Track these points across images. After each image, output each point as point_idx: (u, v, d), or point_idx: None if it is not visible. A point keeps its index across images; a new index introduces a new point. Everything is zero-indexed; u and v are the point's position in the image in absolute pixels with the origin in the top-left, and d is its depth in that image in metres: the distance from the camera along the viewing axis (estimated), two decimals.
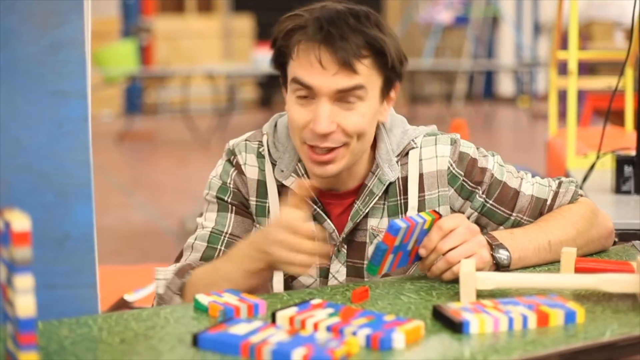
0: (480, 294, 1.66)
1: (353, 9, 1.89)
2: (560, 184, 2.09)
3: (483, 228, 2.03)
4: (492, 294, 1.68)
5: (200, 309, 1.65)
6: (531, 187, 2.06)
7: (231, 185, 2.04)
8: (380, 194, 2.00)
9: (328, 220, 2.01)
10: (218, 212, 2.05)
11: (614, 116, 5.38)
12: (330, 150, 1.90)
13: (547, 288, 1.68)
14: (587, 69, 12.05)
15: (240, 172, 2.05)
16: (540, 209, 2.05)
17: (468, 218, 1.99)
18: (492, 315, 1.50)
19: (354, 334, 1.43)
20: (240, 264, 1.83)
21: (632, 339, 1.50)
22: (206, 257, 2.00)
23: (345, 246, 2.02)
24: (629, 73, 4.37)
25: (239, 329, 1.46)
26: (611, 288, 1.64)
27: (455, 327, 1.48)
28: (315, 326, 1.48)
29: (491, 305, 1.55)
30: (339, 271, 2.02)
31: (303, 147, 1.92)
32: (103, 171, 8.79)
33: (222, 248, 2.01)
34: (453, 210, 2.03)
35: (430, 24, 15.15)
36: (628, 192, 2.94)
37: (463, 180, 2.03)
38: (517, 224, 2.04)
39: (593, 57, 5.24)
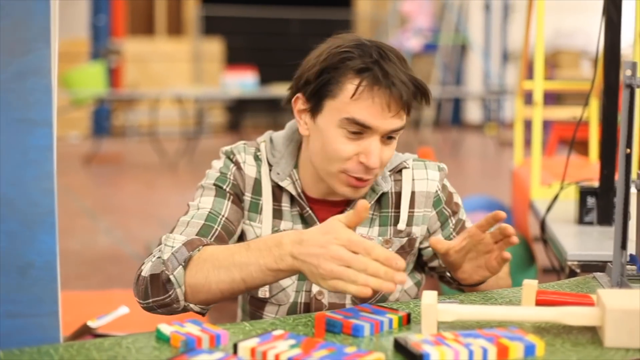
0: (441, 326, 1.68)
1: (392, 49, 2.04)
2: None
3: (436, 259, 2.24)
4: (453, 326, 1.69)
5: (162, 338, 1.65)
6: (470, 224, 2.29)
7: (231, 177, 2.15)
8: (372, 204, 2.16)
9: (318, 223, 2.11)
10: (215, 197, 2.13)
11: (580, 146, 5.44)
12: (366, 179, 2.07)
13: (508, 320, 1.70)
14: (553, 97, 12.16)
15: (240, 169, 2.17)
16: None
17: (428, 246, 2.22)
18: (453, 348, 1.51)
19: None
20: (260, 258, 1.79)
21: None
22: (203, 234, 2.03)
23: None
24: (594, 103, 4.42)
25: None
26: (572, 321, 1.66)
27: (415, 359, 1.49)
28: (277, 357, 1.49)
29: (452, 337, 1.57)
30: None
31: (340, 175, 2.06)
32: (69, 194, 8.75)
33: (219, 229, 2.06)
34: (429, 232, 2.22)
35: (400, 50, 15.21)
36: (591, 223, 2.96)
37: (444, 206, 2.23)
38: None
39: (558, 88, 5.29)
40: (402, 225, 2.18)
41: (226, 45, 16.08)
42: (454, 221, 2.25)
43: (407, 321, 1.74)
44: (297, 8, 17.34)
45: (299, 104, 2.10)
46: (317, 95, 2.04)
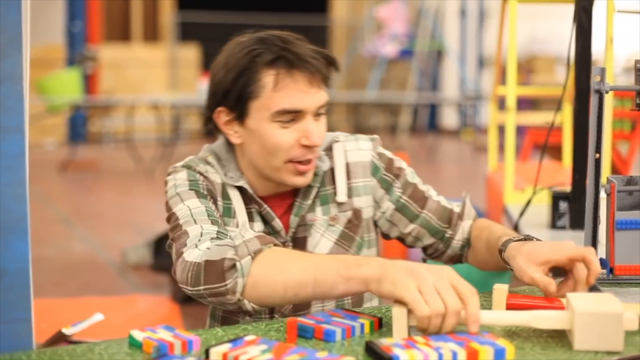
0: (413, 330, 1.69)
1: (290, 32, 2.10)
2: (464, 203, 2.29)
3: (394, 227, 2.24)
4: (424, 330, 1.70)
5: (134, 345, 1.65)
6: (437, 196, 2.29)
7: (203, 183, 2.11)
8: (318, 185, 2.18)
9: (277, 219, 2.14)
10: (198, 198, 2.07)
11: (554, 151, 5.47)
12: (310, 159, 2.10)
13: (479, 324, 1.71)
14: (529, 103, 12.22)
15: (205, 177, 2.14)
16: (448, 216, 2.26)
17: (384, 214, 2.24)
18: (423, 351, 1.52)
19: None
20: (341, 262, 1.75)
21: None
22: (220, 231, 1.95)
23: (291, 244, 2.16)
24: (567, 109, 4.45)
25: None
26: (542, 325, 1.67)
27: None
28: None
29: (422, 341, 1.58)
30: None
31: (287, 166, 2.08)
32: (45, 200, 8.73)
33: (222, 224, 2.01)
34: (375, 202, 2.23)
35: (375, 56, 15.27)
36: (563, 228, 2.98)
37: (383, 172, 2.23)
38: (426, 223, 2.24)
39: (531, 94, 5.34)
40: (342, 197, 2.20)
41: (202, 51, 16.07)
42: (399, 184, 2.24)
43: (379, 326, 1.74)
44: (273, 14, 17.34)
45: (222, 116, 2.11)
46: (240, 101, 2.06)
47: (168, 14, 16.58)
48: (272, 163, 2.08)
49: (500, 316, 1.70)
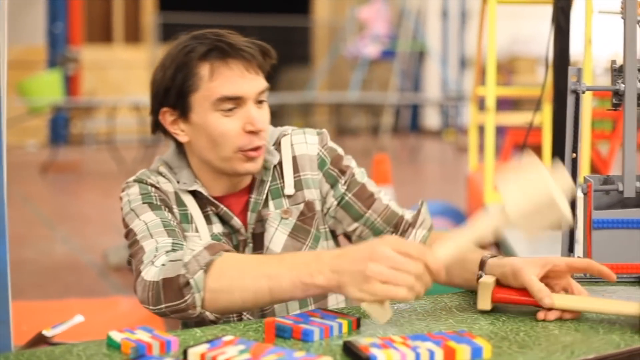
0: (390, 331, 1.70)
1: (226, 30, 2.14)
2: (419, 211, 2.26)
3: (339, 224, 2.24)
4: (402, 330, 1.71)
5: (112, 346, 1.65)
6: (388, 200, 2.27)
7: (155, 195, 2.11)
8: (265, 180, 2.18)
9: (235, 218, 2.15)
10: (153, 210, 2.07)
11: (535, 151, 5.48)
12: (259, 146, 2.10)
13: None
14: (510, 103, 12.25)
15: (157, 188, 2.13)
16: (397, 221, 2.24)
17: (328, 209, 2.23)
18: (400, 351, 1.52)
19: None
20: (294, 270, 1.75)
21: None
22: (176, 242, 1.96)
23: (252, 241, 2.17)
24: (547, 109, 4.46)
25: None
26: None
27: None
28: None
29: (400, 340, 1.58)
30: None
31: (235, 155, 2.08)
32: (26, 202, 8.70)
33: (180, 236, 2.01)
34: (322, 196, 2.23)
35: (357, 57, 15.29)
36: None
37: (329, 167, 2.23)
38: (370, 224, 2.23)
39: (510, 94, 5.36)
40: (289, 190, 2.20)
41: None
42: (343, 181, 2.23)
43: (357, 326, 1.75)
44: (255, 15, 17.34)
45: (167, 117, 2.13)
46: (181, 97, 2.08)
47: (150, 15, 16.55)
48: (222, 154, 2.09)
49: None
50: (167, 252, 1.91)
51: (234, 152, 2.08)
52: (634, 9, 1.91)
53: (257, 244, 2.17)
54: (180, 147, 2.19)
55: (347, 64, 16.31)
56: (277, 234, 2.18)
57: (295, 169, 2.23)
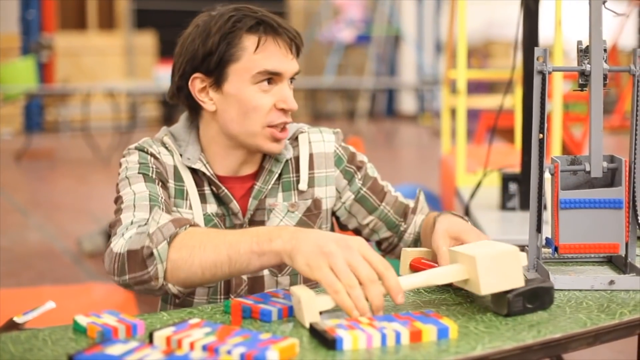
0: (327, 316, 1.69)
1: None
2: (418, 198, 2.34)
3: (353, 218, 2.31)
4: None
5: (79, 330, 1.65)
6: (394, 192, 2.35)
7: (153, 166, 2.13)
8: (276, 172, 2.21)
9: (234, 201, 2.16)
10: (145, 182, 2.08)
11: (508, 134, 5.50)
12: (285, 125, 2.16)
13: (384, 294, 1.72)
14: (486, 87, 12.28)
15: (157, 158, 2.15)
16: (404, 210, 2.32)
17: (344, 204, 2.29)
18: (366, 332, 1.52)
19: (229, 352, 1.45)
20: (254, 237, 1.76)
21: (503, 352, 1.54)
22: (154, 217, 1.94)
23: (248, 226, 2.16)
24: (519, 92, 4.47)
25: (115, 350, 1.46)
26: (442, 280, 1.72)
27: (328, 344, 1.51)
28: (192, 345, 1.49)
29: (366, 321, 1.58)
30: None
31: (264, 131, 2.12)
32: (0, 190, 8.65)
33: (164, 211, 2.01)
34: (337, 192, 2.28)
35: (332, 42, 15.27)
36: (513, 209, 3.00)
37: (347, 164, 2.29)
38: (384, 216, 2.30)
39: (481, 77, 5.36)
40: (303, 186, 2.24)
41: (159, 39, 15.99)
42: (359, 176, 2.29)
43: None
44: (230, 2, 17.28)
45: (197, 83, 2.14)
46: (220, 65, 2.10)
47: (124, 2, 16.45)
48: (250, 128, 2.11)
49: (402, 282, 1.71)
50: (139, 226, 1.92)
51: (262, 127, 2.11)
52: None
53: None
54: (192, 120, 2.22)
55: (322, 49, 16.28)
56: (282, 225, 2.20)
57: (311, 166, 2.27)
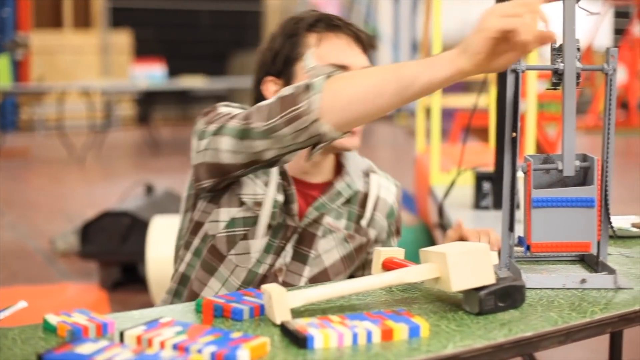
0: (329, 310, 1.69)
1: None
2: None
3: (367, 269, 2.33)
4: (341, 309, 1.71)
5: (49, 329, 1.64)
6: None
7: None
8: (344, 198, 2.24)
9: (296, 203, 2.18)
10: None
11: (483, 133, 5.52)
12: None
13: (355, 292, 1.73)
14: (461, 86, 12.29)
15: None
16: None
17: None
18: (337, 330, 1.52)
19: (199, 351, 1.44)
20: (421, 59, 1.75)
21: (474, 351, 1.54)
22: None
23: (298, 234, 2.20)
24: (494, 91, 4.48)
25: (84, 349, 1.45)
26: (414, 278, 1.71)
27: (299, 342, 1.50)
28: (162, 344, 1.48)
29: (338, 320, 1.58)
30: (287, 252, 2.20)
31: None
32: None
33: None
34: (378, 239, 2.34)
35: None
36: (487, 208, 3.01)
37: (394, 221, 2.36)
38: None
39: None
40: (364, 223, 2.27)
41: (135, 37, 15.93)
42: (395, 240, 2.36)
43: None
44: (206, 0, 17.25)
45: (271, 86, 2.19)
46: (287, 65, 2.16)
47: (99, 0, 16.39)
48: None
49: (373, 280, 1.72)
50: None
51: None
52: None
53: (305, 239, 2.21)
54: None
55: None
56: (333, 251, 2.24)
57: (375, 207, 2.30)
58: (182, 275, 2.26)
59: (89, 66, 15.30)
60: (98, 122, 13.28)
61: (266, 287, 1.65)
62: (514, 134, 1.92)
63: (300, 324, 1.55)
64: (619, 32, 18.37)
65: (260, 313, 1.69)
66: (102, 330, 1.61)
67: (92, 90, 12.34)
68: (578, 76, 1.92)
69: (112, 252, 5.31)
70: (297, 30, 2.16)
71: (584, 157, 1.96)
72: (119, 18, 15.94)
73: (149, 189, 6.00)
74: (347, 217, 2.26)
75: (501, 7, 1.66)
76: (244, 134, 1.92)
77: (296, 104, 1.81)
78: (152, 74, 11.82)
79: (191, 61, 16.10)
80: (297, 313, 1.68)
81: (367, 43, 2.19)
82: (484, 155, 4.14)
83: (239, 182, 2.15)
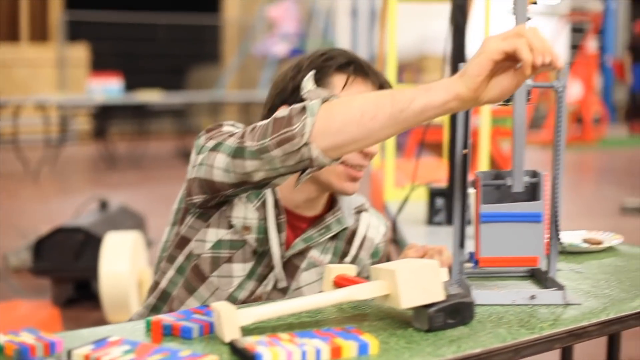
0: (279, 328, 1.69)
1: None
2: None
3: None
4: (291, 327, 1.71)
5: None
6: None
7: None
8: (331, 234, 2.23)
9: (285, 232, 2.17)
10: None
11: (438, 148, 5.55)
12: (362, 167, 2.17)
13: (305, 310, 1.73)
14: None
15: None
16: None
17: None
18: (286, 348, 1.52)
19: None
20: (416, 88, 1.73)
21: None
22: None
23: (282, 264, 2.19)
24: None
25: None
26: (363, 295, 1.72)
27: None
28: None
29: (287, 338, 1.58)
30: (269, 280, 2.19)
31: (339, 168, 2.12)
32: None
33: None
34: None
35: (266, 56, 15.27)
36: (440, 224, 3.02)
37: (379, 260, 2.34)
38: None
39: None
40: (348, 260, 2.27)
41: (92, 51, 15.86)
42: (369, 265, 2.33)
43: None
44: (164, 13, 17.21)
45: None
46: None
47: (56, 13, 16.30)
48: None
49: (323, 298, 1.72)
50: None
51: (338, 164, 2.06)
52: (524, 6, 1.93)
53: (288, 270, 2.20)
54: None
55: (256, 63, 16.28)
56: (314, 285, 2.23)
57: (361, 246, 2.31)
58: (162, 291, 2.25)
59: (45, 80, 15.20)
60: (54, 137, 13.17)
61: (216, 306, 1.65)
62: (465, 151, 1.93)
63: (249, 342, 1.55)
64: (576, 47, 18.57)
65: (209, 331, 1.68)
66: (50, 350, 1.59)
67: (48, 104, 12.24)
68: (528, 93, 1.94)
69: (65, 269, 5.26)
70: (325, 67, 2.12)
71: (534, 174, 1.97)
72: (76, 31, 15.86)
73: (103, 205, 5.95)
74: (333, 252, 2.27)
75: (502, 31, 1.68)
76: (237, 153, 1.91)
77: (289, 126, 1.80)
78: (108, 88, 11.76)
79: (148, 75, 16.04)
80: (246, 331, 1.68)
81: None
82: (438, 171, 4.16)
83: (231, 204, 2.14)
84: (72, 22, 15.81)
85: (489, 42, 1.66)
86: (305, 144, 1.78)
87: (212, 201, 2.09)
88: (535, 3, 1.88)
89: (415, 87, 1.76)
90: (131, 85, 13.08)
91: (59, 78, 15.35)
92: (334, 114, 1.77)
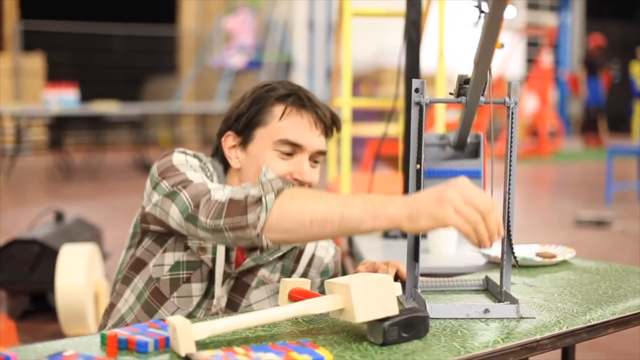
0: (234, 341, 1.69)
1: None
2: None
3: None
4: (246, 341, 1.71)
5: None
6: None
7: (208, 174, 2.19)
8: (278, 253, 2.32)
9: (234, 251, 2.26)
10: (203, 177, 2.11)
11: (394, 161, 5.57)
12: None
13: (260, 324, 1.74)
14: (375, 114, 12.40)
15: (208, 171, 2.22)
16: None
17: None
18: None
19: None
20: (370, 203, 1.79)
21: None
22: None
23: (233, 281, 2.28)
24: (402, 120, 4.53)
25: None
26: (319, 309, 1.73)
27: None
28: None
29: (242, 352, 1.58)
30: (222, 297, 2.26)
31: None
32: None
33: None
34: None
35: (223, 67, 15.26)
36: (395, 237, 3.04)
37: (327, 279, 2.31)
38: None
39: (366, 105, 5.41)
40: (296, 277, 2.35)
41: (47, 61, 15.76)
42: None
43: None
44: (121, 24, 17.15)
45: (229, 141, 2.29)
46: (249, 127, 2.24)
47: (11, 23, 16.18)
48: None
49: (278, 312, 1.73)
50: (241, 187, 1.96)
51: None
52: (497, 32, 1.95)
53: (238, 287, 2.29)
54: (226, 170, 2.33)
55: (213, 74, 16.27)
56: (264, 302, 2.30)
57: (309, 264, 2.40)
58: (121, 317, 2.30)
59: (1, 90, 15.07)
60: (9, 147, 13.07)
61: (171, 319, 1.65)
62: (418, 166, 1.95)
63: (204, 356, 1.55)
64: (531, 61, 18.73)
65: (165, 345, 1.68)
66: None
67: (3, 115, 12.14)
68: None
69: (21, 281, 5.21)
70: (266, 98, 2.25)
71: (476, 136, 2.08)
72: (31, 41, 15.76)
73: (59, 217, 5.91)
74: (282, 270, 2.35)
75: (460, 200, 1.71)
76: (190, 218, 1.98)
77: (244, 214, 1.86)
78: (64, 99, 11.69)
79: (104, 86, 15.99)
80: (202, 345, 1.68)
81: (329, 127, 2.27)
82: (394, 184, 4.18)
83: None
84: (28, 31, 15.70)
85: (445, 208, 1.71)
86: (257, 235, 1.87)
87: (168, 234, 2.21)
88: (502, 47, 1.90)
89: (364, 197, 1.82)
90: (87, 96, 13.02)
91: (14, 88, 15.24)
92: (285, 215, 1.84)
